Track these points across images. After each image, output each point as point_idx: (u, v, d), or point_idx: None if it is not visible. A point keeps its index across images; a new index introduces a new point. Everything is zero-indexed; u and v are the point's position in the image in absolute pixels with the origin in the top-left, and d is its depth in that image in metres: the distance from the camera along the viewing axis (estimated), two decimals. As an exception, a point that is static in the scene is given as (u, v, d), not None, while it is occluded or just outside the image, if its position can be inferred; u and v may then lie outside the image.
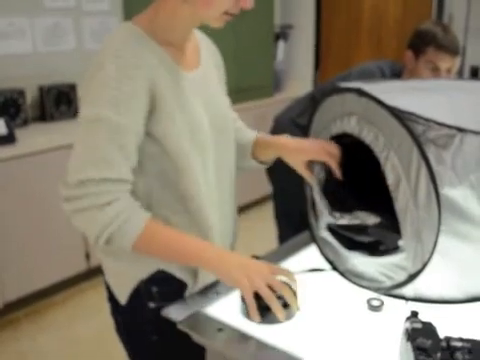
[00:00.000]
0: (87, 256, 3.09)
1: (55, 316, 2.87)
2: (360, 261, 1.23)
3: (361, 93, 1.18)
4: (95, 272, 3.15)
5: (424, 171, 1.05)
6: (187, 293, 1.24)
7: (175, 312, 1.16)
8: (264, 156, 1.42)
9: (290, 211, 2.43)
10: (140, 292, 1.20)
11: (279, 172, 2.01)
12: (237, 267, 1.08)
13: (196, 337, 1.11)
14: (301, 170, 1.34)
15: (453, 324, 1.08)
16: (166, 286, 1.21)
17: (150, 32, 1.12)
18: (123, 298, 1.22)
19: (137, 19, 1.16)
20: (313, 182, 1.31)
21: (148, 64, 1.09)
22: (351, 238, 1.28)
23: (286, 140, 1.37)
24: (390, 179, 1.12)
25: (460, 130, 1.04)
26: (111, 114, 1.04)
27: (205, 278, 1.25)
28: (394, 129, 1.10)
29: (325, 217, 1.29)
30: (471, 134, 1.05)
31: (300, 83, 4.68)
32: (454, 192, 1.05)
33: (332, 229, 1.31)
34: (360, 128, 1.20)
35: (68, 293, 3.07)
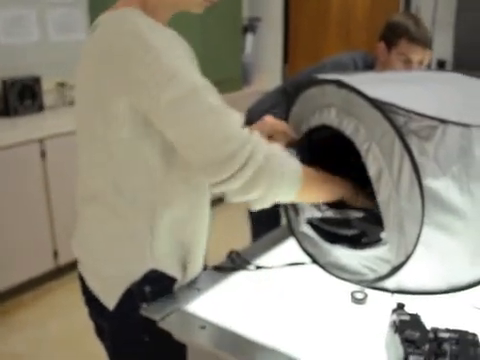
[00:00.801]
0: (55, 254, 3.02)
1: (26, 316, 2.79)
2: (342, 254, 1.22)
3: (341, 84, 1.17)
4: (64, 270, 3.08)
5: (407, 163, 1.04)
6: (176, 288, 1.21)
7: (155, 311, 1.13)
8: None
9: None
10: (132, 294, 1.16)
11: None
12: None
13: (178, 335, 1.09)
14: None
15: (437, 315, 1.08)
16: (158, 284, 1.18)
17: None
18: (111, 303, 1.16)
19: (127, 3, 1.09)
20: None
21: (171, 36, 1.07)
22: (333, 232, 1.27)
23: None
24: (372, 171, 1.11)
25: (442, 121, 1.04)
26: (200, 81, 1.01)
27: (193, 271, 1.23)
28: (375, 121, 1.09)
29: (307, 211, 1.28)
30: (453, 125, 1.05)
31: (269, 76, 4.67)
32: (437, 183, 1.04)
33: (313, 224, 1.29)
34: (340, 120, 1.18)
35: (37, 292, 2.99)
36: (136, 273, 1.15)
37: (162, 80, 0.97)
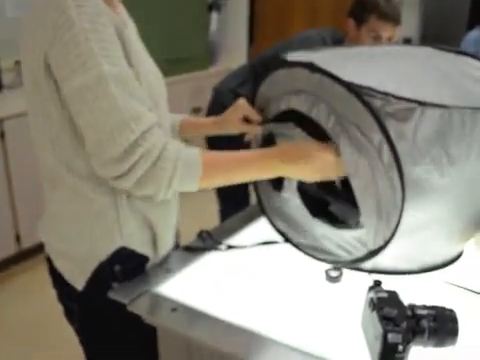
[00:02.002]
0: (17, 238, 2.92)
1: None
2: (318, 232, 1.19)
3: (313, 68, 1.11)
4: (26, 255, 3.00)
5: (385, 147, 1.01)
6: (148, 266, 1.18)
7: (124, 293, 1.09)
8: (190, 135, 1.41)
9: (233, 187, 2.39)
10: (101, 273, 1.12)
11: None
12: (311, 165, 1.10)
13: (148, 318, 1.05)
14: (241, 127, 1.34)
15: (411, 291, 1.06)
16: (128, 263, 1.15)
17: None
18: (80, 283, 1.13)
19: None
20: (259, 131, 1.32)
21: (105, 11, 1.00)
22: (319, 205, 1.23)
23: (212, 118, 1.39)
24: (346, 156, 1.07)
25: (420, 103, 1.00)
26: (110, 67, 0.96)
27: (164, 248, 1.21)
28: (350, 105, 1.04)
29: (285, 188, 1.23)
30: (431, 107, 1.01)
31: (235, 55, 4.60)
32: (416, 167, 1.01)
33: (303, 190, 1.24)
34: (310, 105, 1.13)
35: (-1, 277, 2.90)
36: (105, 252, 1.12)
37: (74, 63, 0.96)
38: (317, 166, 1.09)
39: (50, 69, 0.99)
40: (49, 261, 1.20)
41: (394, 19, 2.02)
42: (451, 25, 3.52)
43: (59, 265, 1.16)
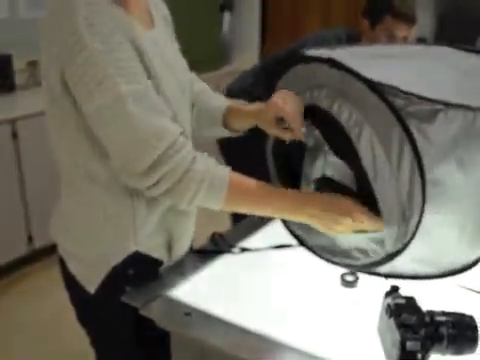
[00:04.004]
0: (30, 239, 2.93)
1: (-2, 303, 2.72)
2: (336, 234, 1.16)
3: (335, 65, 1.08)
4: (38, 255, 3.00)
5: (407, 148, 0.98)
6: (162, 269, 1.18)
7: (136, 297, 1.08)
8: (238, 125, 1.30)
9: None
10: (114, 277, 1.12)
11: (234, 154, 2.00)
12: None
13: (161, 323, 1.04)
14: (273, 130, 1.19)
15: (426, 297, 1.04)
16: (142, 267, 1.15)
17: None
18: (93, 286, 1.13)
19: None
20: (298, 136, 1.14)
21: (122, 25, 0.99)
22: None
23: (256, 105, 1.24)
24: (365, 157, 1.04)
25: (445, 104, 0.97)
26: (126, 86, 0.96)
27: (179, 252, 1.21)
28: (371, 103, 1.01)
29: (316, 169, 1.18)
30: (455, 108, 0.99)
31: (247, 55, 4.58)
32: (438, 169, 0.98)
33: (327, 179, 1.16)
34: (331, 101, 1.11)
35: (11, 278, 2.91)
36: (118, 256, 1.12)
37: (91, 84, 0.96)
38: (347, 227, 1.05)
39: (67, 85, 0.99)
40: (62, 263, 1.19)
41: (409, 19, 1.99)
42: (466, 25, 3.48)
43: (72, 267, 1.16)
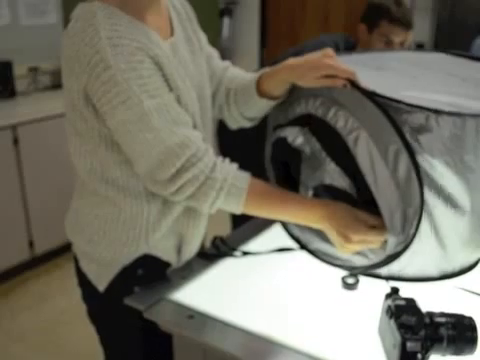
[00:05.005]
0: (31, 244, 2.93)
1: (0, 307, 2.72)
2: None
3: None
4: (39, 260, 3.01)
5: (403, 154, 1.00)
6: (169, 271, 1.21)
7: (140, 300, 1.09)
8: (273, 86, 1.20)
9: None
10: (124, 276, 1.15)
11: (233, 155, 1.99)
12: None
13: (164, 325, 1.05)
14: (321, 83, 1.10)
15: (425, 298, 1.05)
16: (151, 267, 1.17)
17: (122, 6, 1.03)
18: (103, 285, 1.16)
19: None
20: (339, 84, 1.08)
21: (142, 42, 1.01)
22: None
23: (290, 60, 1.16)
24: (363, 162, 1.06)
25: (435, 111, 1.00)
26: (150, 101, 1.00)
27: (188, 255, 1.24)
28: (368, 111, 1.04)
29: (314, 177, 1.19)
30: (446, 115, 1.01)
31: (246, 60, 4.60)
32: (433, 173, 1.01)
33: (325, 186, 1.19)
34: (326, 110, 1.12)
35: (11, 283, 2.91)
36: (129, 257, 1.15)
37: (114, 101, 0.99)
38: (358, 240, 1.07)
39: (89, 97, 1.02)
40: (75, 260, 1.22)
41: (405, 24, 2.00)
42: (464, 30, 3.50)
43: (83, 265, 1.19)
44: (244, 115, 1.29)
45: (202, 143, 1.05)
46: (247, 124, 1.33)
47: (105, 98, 1.00)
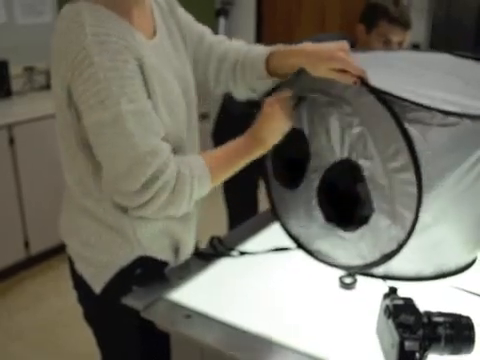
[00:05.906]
0: (26, 244, 2.92)
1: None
2: (332, 237, 1.18)
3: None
4: (35, 260, 3.00)
5: (404, 150, 1.01)
6: (166, 270, 1.20)
7: (138, 300, 1.09)
8: (283, 69, 1.21)
9: (241, 194, 2.44)
10: (121, 277, 1.15)
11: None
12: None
13: (162, 325, 1.05)
14: (332, 75, 1.10)
15: (421, 297, 1.05)
16: (149, 267, 1.17)
17: (107, 5, 1.02)
18: (99, 286, 1.16)
19: None
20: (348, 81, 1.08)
21: (129, 42, 1.01)
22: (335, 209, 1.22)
23: (307, 45, 1.17)
24: (360, 155, 1.07)
25: (440, 111, 1.00)
26: (128, 106, 0.99)
27: (186, 253, 1.24)
28: (371, 108, 1.04)
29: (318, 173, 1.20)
30: (450, 115, 1.01)
31: (242, 61, 4.60)
32: (433, 172, 1.01)
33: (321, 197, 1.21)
34: (328, 104, 1.13)
35: (7, 283, 2.90)
36: (126, 259, 1.15)
37: (92, 100, 0.99)
38: (273, 125, 1.14)
39: (72, 96, 1.01)
40: (70, 262, 1.21)
41: (404, 23, 2.01)
42: (460, 30, 3.51)
43: (79, 267, 1.18)
44: (252, 88, 1.29)
45: (170, 153, 1.05)
46: (254, 95, 1.32)
47: (85, 96, 0.99)
